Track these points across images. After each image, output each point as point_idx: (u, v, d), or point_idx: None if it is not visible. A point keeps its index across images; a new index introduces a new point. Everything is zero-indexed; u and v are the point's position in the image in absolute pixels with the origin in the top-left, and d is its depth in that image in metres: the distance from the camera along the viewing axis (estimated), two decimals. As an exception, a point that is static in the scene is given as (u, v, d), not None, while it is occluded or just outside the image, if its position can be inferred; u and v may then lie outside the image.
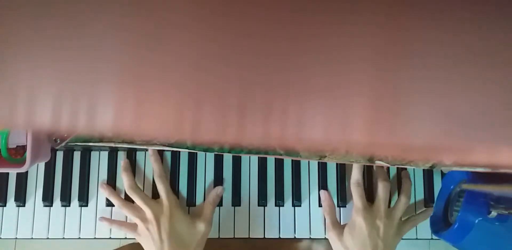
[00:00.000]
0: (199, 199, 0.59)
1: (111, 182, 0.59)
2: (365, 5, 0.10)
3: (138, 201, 0.54)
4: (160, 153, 0.59)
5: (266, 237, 0.59)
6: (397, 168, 0.60)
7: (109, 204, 0.58)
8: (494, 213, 0.48)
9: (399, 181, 0.60)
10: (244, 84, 0.16)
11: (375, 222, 0.53)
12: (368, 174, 0.60)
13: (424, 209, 0.59)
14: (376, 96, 0.18)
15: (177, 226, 0.53)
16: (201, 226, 0.54)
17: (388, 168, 0.60)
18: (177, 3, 0.10)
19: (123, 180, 0.56)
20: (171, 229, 0.52)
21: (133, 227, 0.55)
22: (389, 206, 0.56)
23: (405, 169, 0.59)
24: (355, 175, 0.56)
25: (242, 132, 0.26)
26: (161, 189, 0.55)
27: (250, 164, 0.60)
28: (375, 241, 0.52)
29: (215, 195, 0.57)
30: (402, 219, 0.56)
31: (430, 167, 0.54)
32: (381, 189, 0.55)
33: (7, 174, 0.59)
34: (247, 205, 0.59)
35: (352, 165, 0.58)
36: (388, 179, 0.57)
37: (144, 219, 0.53)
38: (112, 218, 0.58)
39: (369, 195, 0.60)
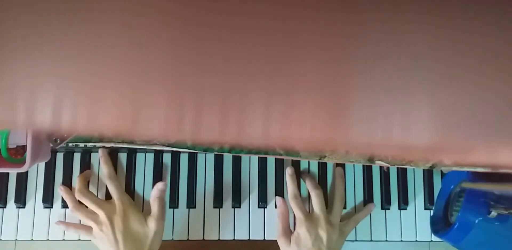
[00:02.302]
0: (199, 199, 0.59)
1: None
2: (363, 5, 0.10)
3: (89, 204, 0.55)
4: (160, 153, 0.59)
5: (266, 239, 0.59)
6: (397, 168, 0.60)
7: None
8: (494, 213, 0.48)
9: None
10: (243, 84, 0.16)
11: (317, 231, 0.55)
12: (368, 176, 0.60)
13: (365, 206, 0.60)
14: (375, 96, 0.18)
15: (131, 225, 0.54)
16: (152, 224, 0.54)
17: (388, 168, 0.60)
18: (171, 4, 0.10)
19: (76, 184, 0.57)
20: (125, 229, 0.53)
21: (89, 229, 0.55)
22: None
23: (340, 165, 0.60)
24: (291, 189, 0.57)
25: (242, 132, 0.26)
26: (113, 189, 0.55)
27: (250, 164, 0.60)
28: (319, 249, 0.54)
29: (156, 190, 0.57)
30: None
31: (430, 167, 0.54)
32: (314, 197, 0.57)
33: (7, 175, 0.59)
34: (247, 206, 0.59)
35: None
36: (318, 186, 0.58)
37: (97, 221, 0.54)
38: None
39: (369, 195, 0.60)
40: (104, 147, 0.56)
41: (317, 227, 0.55)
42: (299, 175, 0.59)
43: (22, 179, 0.58)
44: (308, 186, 0.58)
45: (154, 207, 0.56)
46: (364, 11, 0.10)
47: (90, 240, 0.57)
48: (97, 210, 0.54)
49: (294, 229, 0.56)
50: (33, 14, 0.11)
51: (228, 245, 0.59)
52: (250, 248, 0.59)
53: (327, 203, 0.58)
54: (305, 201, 0.59)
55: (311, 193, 0.57)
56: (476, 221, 0.49)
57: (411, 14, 0.10)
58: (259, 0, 0.10)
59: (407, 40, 0.12)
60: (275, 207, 0.59)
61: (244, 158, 0.60)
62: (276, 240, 0.57)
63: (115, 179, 0.56)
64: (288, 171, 0.58)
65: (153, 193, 0.57)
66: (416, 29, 0.11)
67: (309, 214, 0.56)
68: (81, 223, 0.57)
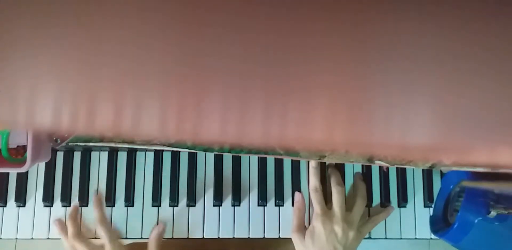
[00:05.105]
0: (199, 198, 0.59)
1: (110, 182, 0.59)
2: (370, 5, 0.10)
3: (82, 249, 0.55)
4: (160, 153, 0.59)
5: (265, 237, 0.59)
6: (397, 167, 0.60)
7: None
8: (493, 213, 0.48)
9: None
10: (243, 84, 0.16)
11: (333, 227, 0.54)
12: (368, 174, 0.60)
13: (385, 208, 0.60)
14: (375, 97, 0.18)
15: None
16: None
17: (387, 168, 0.60)
18: (173, 5, 0.10)
19: (68, 228, 0.56)
20: None
21: None
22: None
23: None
24: (313, 181, 0.57)
25: (242, 132, 0.27)
26: (102, 235, 0.55)
27: (250, 164, 0.60)
28: (334, 245, 0.53)
29: (157, 233, 0.57)
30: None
31: (429, 166, 0.54)
32: (336, 193, 0.56)
33: (8, 174, 0.59)
34: (246, 205, 0.59)
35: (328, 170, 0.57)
36: (342, 183, 0.57)
37: None
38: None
39: (368, 193, 0.60)
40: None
41: (333, 222, 0.54)
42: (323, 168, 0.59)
43: (22, 178, 0.58)
44: (331, 181, 0.57)
45: (151, 247, 0.56)
46: (367, 11, 0.10)
47: (89, 238, 0.57)
48: None
49: (310, 224, 0.56)
50: (33, 14, 0.11)
51: (227, 243, 0.59)
52: (250, 246, 0.59)
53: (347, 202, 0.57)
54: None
55: (333, 189, 0.56)
56: (476, 221, 0.49)
57: (411, 15, 0.10)
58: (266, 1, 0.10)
59: (407, 41, 0.12)
60: (275, 205, 0.59)
61: (244, 157, 0.60)
62: (275, 238, 0.58)
63: (105, 223, 0.56)
64: (312, 164, 0.57)
65: (152, 235, 0.57)
66: (417, 30, 0.11)
67: (327, 209, 0.56)
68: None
